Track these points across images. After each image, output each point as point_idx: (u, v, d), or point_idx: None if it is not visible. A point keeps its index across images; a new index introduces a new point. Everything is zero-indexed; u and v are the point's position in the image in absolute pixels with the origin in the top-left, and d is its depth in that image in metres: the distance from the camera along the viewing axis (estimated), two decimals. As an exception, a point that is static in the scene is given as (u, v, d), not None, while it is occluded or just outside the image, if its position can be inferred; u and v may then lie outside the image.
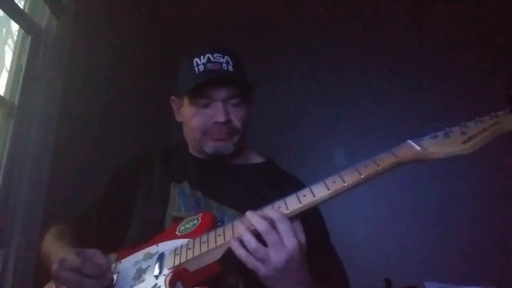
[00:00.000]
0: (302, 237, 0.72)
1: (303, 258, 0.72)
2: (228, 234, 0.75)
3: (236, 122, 0.99)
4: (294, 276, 0.72)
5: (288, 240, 0.70)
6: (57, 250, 0.89)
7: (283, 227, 0.71)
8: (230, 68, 0.98)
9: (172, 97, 1.09)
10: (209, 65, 0.98)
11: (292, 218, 0.73)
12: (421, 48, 2.88)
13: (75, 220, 1.07)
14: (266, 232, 0.70)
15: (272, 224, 0.71)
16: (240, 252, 0.72)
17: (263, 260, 0.70)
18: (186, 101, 1.02)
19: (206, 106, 0.98)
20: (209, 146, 0.99)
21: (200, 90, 0.97)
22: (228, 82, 0.98)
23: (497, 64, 2.62)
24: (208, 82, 0.96)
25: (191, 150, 1.08)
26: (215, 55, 0.99)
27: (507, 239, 2.41)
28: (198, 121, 0.99)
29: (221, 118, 0.96)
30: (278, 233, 0.70)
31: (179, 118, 1.08)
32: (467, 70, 2.75)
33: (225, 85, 0.97)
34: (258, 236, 0.72)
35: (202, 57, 0.99)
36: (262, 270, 0.71)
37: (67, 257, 0.76)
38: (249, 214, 0.74)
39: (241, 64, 1.03)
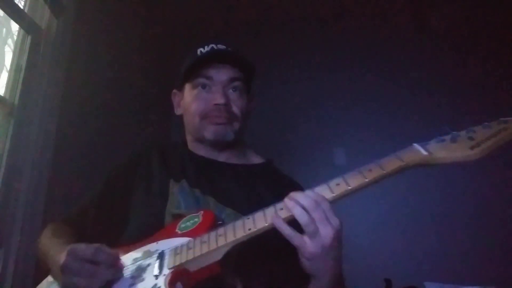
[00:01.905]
0: None
1: (341, 242, 0.73)
2: (230, 234, 0.75)
3: (235, 108, 1.00)
4: (334, 258, 0.72)
5: (332, 217, 0.70)
6: (55, 247, 0.88)
7: (326, 206, 0.71)
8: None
9: (174, 91, 1.11)
10: (213, 51, 1.02)
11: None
12: (422, 48, 2.88)
13: (72, 218, 1.06)
14: (314, 208, 0.70)
15: (317, 203, 0.71)
16: (286, 230, 0.71)
17: (312, 236, 0.69)
18: (187, 88, 1.04)
19: (205, 87, 1.00)
20: (210, 131, 0.99)
21: (201, 69, 1.00)
22: (229, 60, 1.00)
23: (502, 66, 2.62)
24: (211, 56, 0.99)
25: (190, 146, 1.08)
26: (218, 45, 1.03)
27: (507, 239, 2.41)
28: (198, 105, 1.00)
29: (220, 99, 0.97)
30: (324, 210, 0.71)
31: (178, 111, 1.10)
32: (468, 70, 2.75)
33: (225, 67, 1.00)
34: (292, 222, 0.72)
35: (206, 46, 1.02)
36: (309, 246, 0.70)
37: (78, 247, 0.76)
38: (293, 193, 0.74)
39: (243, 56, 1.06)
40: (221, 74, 1.00)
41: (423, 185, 2.56)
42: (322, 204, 0.71)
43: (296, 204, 0.71)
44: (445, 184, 2.56)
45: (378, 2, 2.76)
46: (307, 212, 0.70)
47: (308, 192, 0.73)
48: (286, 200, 0.73)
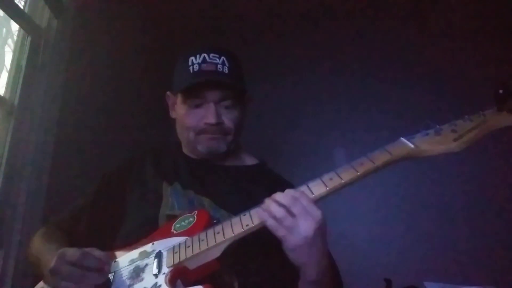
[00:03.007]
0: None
1: (325, 233, 0.74)
2: (228, 231, 0.75)
3: (228, 123, 0.99)
4: (319, 249, 0.73)
5: (313, 210, 0.72)
6: (47, 251, 0.88)
7: (306, 200, 0.73)
8: (225, 70, 0.97)
9: (168, 93, 1.09)
10: (204, 65, 0.97)
11: None
12: (422, 49, 2.88)
13: (64, 222, 1.06)
14: (293, 203, 0.72)
15: (295, 198, 0.73)
16: (270, 222, 0.73)
17: (291, 229, 0.71)
18: (179, 99, 1.03)
19: (198, 106, 0.99)
20: (203, 146, 1.00)
21: (193, 91, 0.98)
22: (221, 84, 0.97)
23: (494, 61, 2.63)
24: (201, 85, 0.96)
25: (184, 149, 1.09)
26: (211, 55, 0.98)
27: (506, 239, 2.41)
28: (191, 122, 0.99)
29: (211, 119, 0.96)
30: (303, 205, 0.73)
31: (173, 115, 1.09)
32: (467, 70, 2.75)
33: (218, 87, 0.97)
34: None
35: (198, 56, 0.98)
36: (290, 239, 0.72)
37: (67, 251, 0.76)
38: (274, 194, 0.76)
39: (238, 65, 1.02)
40: (213, 94, 0.97)
41: (424, 185, 2.57)
42: (300, 199, 0.73)
43: (273, 201, 0.74)
44: (446, 184, 2.56)
45: (377, 1, 2.76)
46: (285, 208, 0.72)
47: (288, 191, 0.76)
48: (265, 199, 0.76)
